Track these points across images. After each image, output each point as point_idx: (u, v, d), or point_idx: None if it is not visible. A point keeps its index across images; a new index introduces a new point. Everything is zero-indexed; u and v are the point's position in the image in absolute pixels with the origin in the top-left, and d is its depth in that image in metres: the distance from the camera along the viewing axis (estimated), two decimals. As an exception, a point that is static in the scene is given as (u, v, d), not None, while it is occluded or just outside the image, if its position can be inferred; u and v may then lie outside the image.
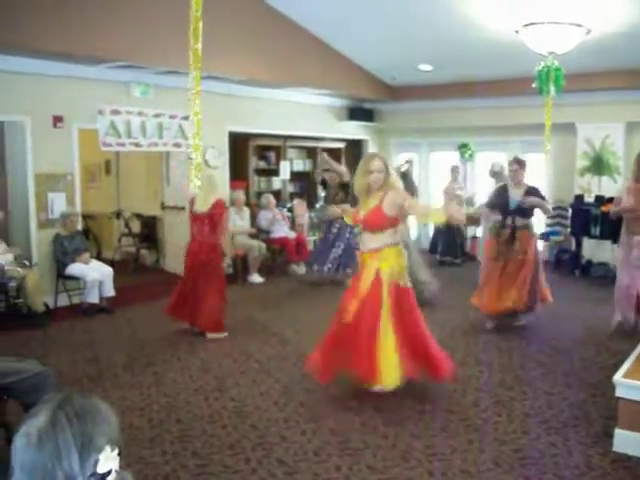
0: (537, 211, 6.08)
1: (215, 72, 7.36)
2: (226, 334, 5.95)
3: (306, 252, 9.31)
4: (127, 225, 9.53)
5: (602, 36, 6.95)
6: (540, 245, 7.75)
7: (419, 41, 8.12)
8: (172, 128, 7.90)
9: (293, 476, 3.32)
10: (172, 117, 7.86)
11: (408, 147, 11.33)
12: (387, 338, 4.20)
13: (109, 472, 1.35)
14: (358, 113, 11.06)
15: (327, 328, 4.49)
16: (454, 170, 10.00)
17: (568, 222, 9.29)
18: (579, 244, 9.09)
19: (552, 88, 6.63)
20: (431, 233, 10.64)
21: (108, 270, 6.93)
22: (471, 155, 10.70)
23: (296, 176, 10.58)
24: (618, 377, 3.63)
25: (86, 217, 8.94)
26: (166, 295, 6.52)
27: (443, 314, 6.65)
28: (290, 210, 10.02)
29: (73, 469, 1.28)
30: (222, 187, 7.98)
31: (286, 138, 10.05)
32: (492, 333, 5.99)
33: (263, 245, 8.82)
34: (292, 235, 9.37)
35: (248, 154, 9.62)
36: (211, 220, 5.84)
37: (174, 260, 8.87)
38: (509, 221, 5.95)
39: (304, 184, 10.75)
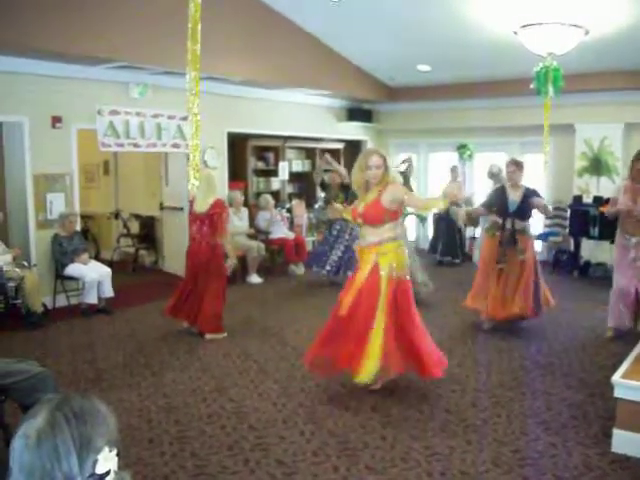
0: (534, 212, 6.08)
1: (214, 73, 7.36)
2: (225, 334, 5.94)
3: (305, 253, 9.31)
4: (126, 225, 9.53)
5: (601, 37, 6.96)
6: (537, 246, 7.75)
7: (418, 42, 8.13)
8: (171, 129, 7.90)
9: (292, 477, 3.32)
10: (171, 118, 7.86)
11: (407, 148, 11.34)
12: (378, 333, 4.21)
13: (108, 473, 1.35)
14: (357, 114, 11.07)
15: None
16: (453, 170, 10.01)
17: (567, 223, 9.30)
18: (578, 245, 9.10)
19: (550, 89, 6.63)
20: (430, 233, 10.65)
21: (107, 270, 6.92)
22: (470, 156, 10.72)
23: (295, 177, 10.58)
24: (617, 378, 3.64)
25: (85, 217, 8.94)
26: (165, 296, 6.53)
27: (442, 314, 6.66)
28: (289, 211, 10.03)
29: (72, 470, 1.28)
30: (221, 188, 7.98)
31: (285, 139, 10.04)
32: (490, 334, 6.00)
33: (262, 246, 8.82)
34: (291, 236, 9.37)
35: (247, 155, 9.61)
36: (210, 220, 5.83)
37: (173, 260, 8.88)
38: (508, 224, 5.93)
39: (303, 185, 10.75)
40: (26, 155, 6.75)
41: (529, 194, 5.94)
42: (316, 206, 9.87)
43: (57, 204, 6.99)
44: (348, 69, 9.52)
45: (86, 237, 8.58)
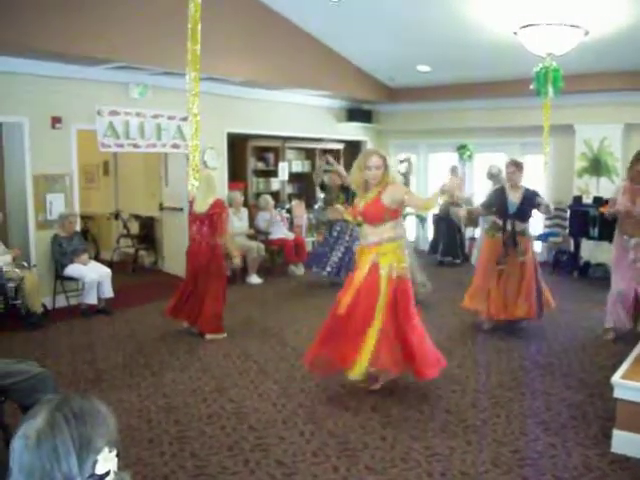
0: (534, 213, 6.08)
1: (214, 73, 7.37)
2: (225, 335, 5.94)
3: (305, 253, 9.31)
4: (125, 226, 9.53)
5: (600, 37, 6.97)
6: (537, 247, 7.75)
7: (418, 42, 8.13)
8: (170, 129, 7.90)
9: (291, 477, 3.32)
10: (170, 118, 7.86)
11: (407, 148, 11.29)
12: (374, 331, 4.22)
13: (107, 473, 1.35)
14: (357, 114, 11.07)
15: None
16: (453, 170, 10.00)
17: (566, 223, 9.30)
18: (577, 245, 9.09)
19: (550, 89, 6.63)
20: (430, 234, 10.65)
21: (106, 271, 6.92)
22: (470, 156, 10.72)
23: (295, 177, 10.58)
24: (616, 378, 3.64)
25: (84, 218, 8.94)
26: (164, 296, 6.52)
27: (441, 315, 6.66)
28: (289, 211, 10.02)
29: (71, 470, 1.28)
30: (220, 188, 7.98)
31: (285, 139, 10.04)
32: (490, 334, 6.00)
33: (262, 246, 8.82)
34: (291, 236, 9.37)
35: (247, 155, 9.61)
36: (210, 220, 5.83)
37: (172, 261, 8.88)
38: (509, 225, 5.91)
39: (303, 185, 10.75)
40: (26, 156, 6.75)
41: (529, 195, 5.93)
42: (316, 207, 9.87)
43: (57, 204, 6.99)
44: (348, 69, 9.52)
45: (86, 238, 8.58)
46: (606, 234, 8.06)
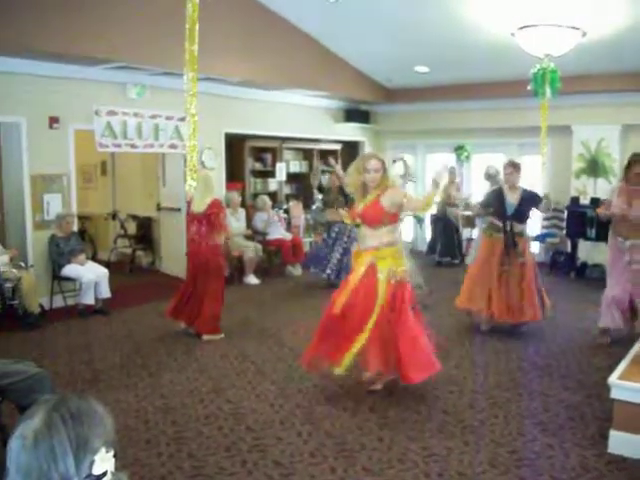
0: (532, 213, 6.09)
1: (211, 74, 7.36)
2: (222, 336, 5.94)
3: (302, 254, 9.31)
4: (123, 226, 9.52)
5: (598, 38, 6.98)
6: (535, 248, 7.75)
7: (415, 43, 8.13)
8: (168, 129, 7.89)
9: (289, 478, 3.32)
10: (168, 118, 7.85)
11: (405, 149, 11.33)
12: (366, 331, 4.22)
13: (104, 473, 1.35)
14: (354, 115, 11.07)
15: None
16: (451, 171, 10.00)
17: (564, 224, 9.31)
18: (575, 246, 9.11)
19: (548, 90, 6.63)
20: (427, 234, 10.65)
21: (104, 271, 6.91)
22: (467, 157, 10.72)
23: (292, 178, 10.57)
24: (613, 379, 3.64)
25: (82, 218, 8.92)
26: (162, 297, 6.52)
27: (439, 315, 6.65)
28: (286, 212, 10.02)
29: (69, 471, 1.28)
30: (218, 188, 7.98)
31: (282, 140, 10.04)
32: (488, 335, 6.00)
33: (259, 246, 8.82)
34: (288, 237, 9.37)
35: (244, 155, 9.62)
36: (208, 220, 5.83)
37: (170, 261, 8.88)
38: (507, 227, 5.91)
39: (300, 186, 10.74)
40: (23, 156, 6.74)
41: (527, 196, 5.94)
42: (313, 207, 9.86)
43: (54, 205, 6.98)
44: (346, 70, 9.53)
45: (83, 238, 8.56)
46: (603, 235, 8.04)
